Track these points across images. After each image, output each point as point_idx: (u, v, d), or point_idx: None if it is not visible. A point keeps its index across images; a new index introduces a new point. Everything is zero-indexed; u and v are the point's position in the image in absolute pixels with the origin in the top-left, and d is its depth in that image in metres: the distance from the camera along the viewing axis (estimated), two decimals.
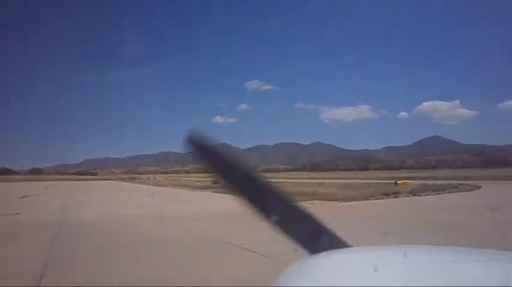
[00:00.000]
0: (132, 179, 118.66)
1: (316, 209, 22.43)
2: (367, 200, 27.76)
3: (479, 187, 34.85)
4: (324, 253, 1.27)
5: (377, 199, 28.30)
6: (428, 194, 30.31)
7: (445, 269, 1.04)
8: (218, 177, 1.39)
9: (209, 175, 1.46)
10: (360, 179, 72.93)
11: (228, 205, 25.52)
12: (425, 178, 62.31)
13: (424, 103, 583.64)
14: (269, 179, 1.34)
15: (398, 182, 38.72)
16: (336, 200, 27.71)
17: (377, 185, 39.31)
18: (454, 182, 44.16)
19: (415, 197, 28.94)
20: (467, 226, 13.97)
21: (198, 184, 66.44)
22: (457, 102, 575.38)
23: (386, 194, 30.62)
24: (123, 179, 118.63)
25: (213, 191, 41.69)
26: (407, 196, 29.36)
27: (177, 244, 11.40)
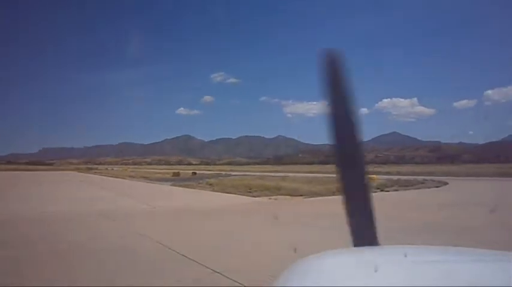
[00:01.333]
0: (88, 170, 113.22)
1: (282, 205, 20.21)
2: (334, 195, 25.75)
3: (446, 183, 33.64)
4: (324, 253, 1.26)
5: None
6: (397, 190, 28.67)
7: (445, 269, 1.03)
8: (328, 107, 1.28)
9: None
10: (323, 173, 71.67)
11: (183, 199, 22.51)
12: (389, 173, 61.55)
13: (384, 100, 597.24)
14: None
15: None
16: (301, 195, 25.66)
17: None
18: (420, 177, 43.13)
19: (384, 192, 27.24)
20: (468, 229, 11.92)
21: (158, 175, 63.66)
22: (415, 100, 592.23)
23: None
24: (79, 170, 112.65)
25: (172, 185, 39.11)
26: (375, 191, 27.56)
27: (90, 252, 8.70)
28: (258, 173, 66.36)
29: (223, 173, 72.16)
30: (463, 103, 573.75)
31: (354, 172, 1.31)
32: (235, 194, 27.67)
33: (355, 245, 1.28)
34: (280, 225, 12.98)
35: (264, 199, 23.70)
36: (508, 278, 0.95)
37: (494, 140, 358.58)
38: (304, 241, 9.21)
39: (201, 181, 42.13)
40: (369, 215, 1.31)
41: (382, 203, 21.06)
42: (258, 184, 33.99)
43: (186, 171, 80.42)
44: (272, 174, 63.45)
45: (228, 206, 20.23)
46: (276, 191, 28.87)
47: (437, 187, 31.51)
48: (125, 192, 30.01)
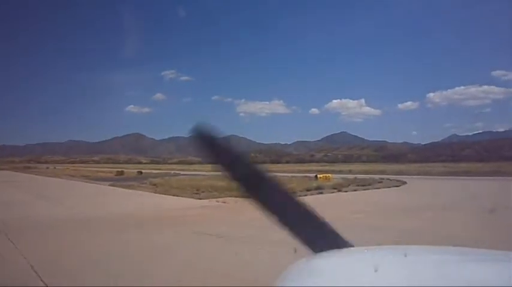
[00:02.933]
0: (26, 169, 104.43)
1: (231, 212, 17.02)
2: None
3: (405, 182, 31.74)
4: (324, 253, 1.25)
5: (299, 195, 23.54)
6: (355, 190, 26.23)
7: (445, 269, 1.03)
8: (224, 172, 1.31)
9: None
10: (275, 172, 69.00)
11: (113, 202, 18.42)
12: (341, 171, 60.12)
13: (334, 100, 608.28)
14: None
15: (319, 175, 34.50)
16: None
17: (296, 180, 34.97)
18: (376, 176, 41.45)
19: (342, 193, 24.75)
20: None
21: (101, 174, 58.82)
22: (362, 101, 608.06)
23: (308, 190, 26.15)
24: (15, 169, 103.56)
25: (110, 185, 34.97)
26: (332, 192, 25.08)
27: None
28: (208, 173, 63.29)
29: (172, 172, 68.00)
30: (407, 105, 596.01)
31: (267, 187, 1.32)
32: (179, 196, 24.24)
33: (316, 252, 1.24)
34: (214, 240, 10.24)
35: (211, 202, 20.47)
36: (508, 278, 0.94)
37: (435, 140, 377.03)
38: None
39: (145, 181, 38.42)
40: (314, 217, 1.30)
41: (338, 204, 18.60)
42: (207, 184, 30.65)
43: (133, 170, 75.26)
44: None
45: (166, 211, 16.86)
46: (227, 191, 25.70)
47: (397, 186, 29.47)
48: (47, 195, 25.68)
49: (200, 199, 22.16)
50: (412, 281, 0.94)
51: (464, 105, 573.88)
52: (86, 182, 42.85)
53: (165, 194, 25.91)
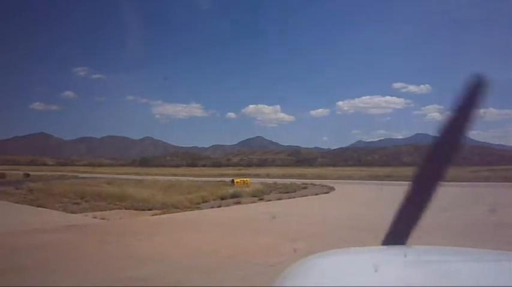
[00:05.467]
0: None
1: (100, 238, 10.86)
2: (198, 209, 17.43)
3: (332, 188, 27.68)
4: (324, 253, 1.24)
5: (212, 206, 18.12)
6: (280, 198, 21.36)
7: (445, 269, 1.02)
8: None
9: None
10: (189, 176, 63.12)
11: None
12: (258, 175, 55.92)
13: (250, 105, 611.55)
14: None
15: (236, 180, 29.36)
16: (150, 209, 16.83)
17: (210, 185, 29.52)
18: (297, 181, 37.43)
19: (264, 203, 19.77)
20: None
21: None
22: (278, 107, 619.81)
23: (223, 198, 20.93)
24: None
25: None
26: (253, 201, 20.04)
27: None
28: (116, 176, 55.95)
29: (70, 175, 58.86)
30: (319, 112, 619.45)
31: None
32: (47, 207, 17.66)
33: None
34: None
35: (85, 218, 14.31)
36: (509, 278, 0.93)
37: (343, 145, 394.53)
38: None
39: (23, 186, 30.51)
40: None
41: (264, 224, 11.64)
42: (97, 191, 24.03)
43: (22, 172, 64.10)
44: (131, 177, 53.11)
45: None
46: (118, 201, 19.59)
47: (326, 192, 25.12)
48: None
49: (74, 212, 15.80)
50: (412, 281, 0.94)
51: (369, 113, 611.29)
52: None
53: (31, 204, 19.02)
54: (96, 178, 49.14)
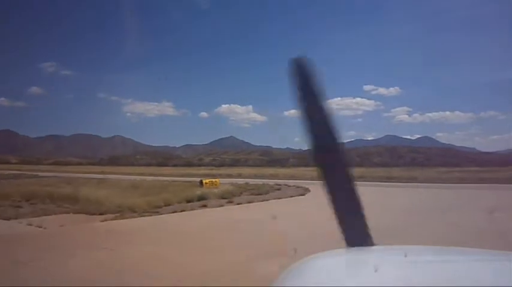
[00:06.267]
0: None
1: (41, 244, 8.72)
2: (157, 213, 15.23)
3: (307, 189, 25.71)
4: (324, 253, 1.24)
5: (174, 211, 15.96)
6: (251, 201, 19.30)
7: (445, 269, 1.03)
8: (302, 110, 1.26)
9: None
10: (158, 175, 60.33)
11: None
12: (230, 175, 53.74)
13: (223, 105, 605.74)
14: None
15: (204, 180, 27.08)
16: (103, 213, 14.56)
17: (177, 186, 27.22)
18: (269, 181, 35.55)
19: (233, 207, 17.74)
20: None
21: None
22: (250, 107, 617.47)
23: (189, 201, 18.81)
24: None
25: None
26: (221, 204, 17.98)
27: None
28: (80, 175, 52.68)
29: (28, 173, 55.16)
30: (292, 112, 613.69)
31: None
32: None
33: None
34: None
35: (18, 227, 11.91)
36: (509, 278, 0.94)
37: None
38: None
39: None
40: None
41: (229, 235, 9.84)
42: (49, 192, 21.40)
43: None
44: (95, 176, 49.93)
45: None
46: (69, 204, 17.23)
47: (301, 194, 23.13)
48: None
49: (7, 218, 13.38)
50: (412, 281, 0.93)
51: (340, 115, 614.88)
52: None
53: None
54: (57, 177, 45.89)
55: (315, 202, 19.75)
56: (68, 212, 15.47)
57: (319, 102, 1.21)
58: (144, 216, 14.57)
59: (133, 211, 15.25)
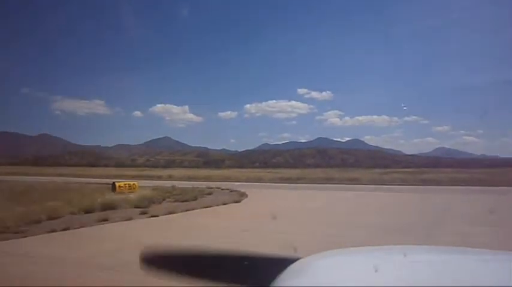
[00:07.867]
0: None
1: None
2: (25, 234, 10.14)
3: (244, 193, 21.37)
4: (324, 253, 1.23)
5: (52, 230, 10.92)
6: (172, 212, 14.45)
7: (445, 269, 1.02)
8: None
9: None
10: (80, 176, 53.35)
11: None
12: (160, 177, 48.33)
13: (158, 105, 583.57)
14: None
15: (118, 184, 21.67)
16: None
17: (86, 189, 21.74)
18: (202, 184, 30.88)
19: (144, 219, 13.04)
20: None
21: None
22: (186, 107, 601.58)
23: (89, 211, 13.90)
24: None
25: None
26: (130, 217, 13.11)
27: None
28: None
29: None
30: (227, 114, 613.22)
31: None
32: None
33: None
34: None
35: None
36: (509, 278, 0.93)
37: (250, 148, 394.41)
38: None
39: None
40: None
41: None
42: None
43: None
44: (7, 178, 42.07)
45: None
46: None
47: (236, 201, 18.57)
48: None
49: None
50: (412, 281, 0.92)
51: (275, 117, 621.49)
52: None
53: None
54: None
55: (253, 213, 14.72)
56: None
57: None
58: (7, 238, 9.51)
59: None
